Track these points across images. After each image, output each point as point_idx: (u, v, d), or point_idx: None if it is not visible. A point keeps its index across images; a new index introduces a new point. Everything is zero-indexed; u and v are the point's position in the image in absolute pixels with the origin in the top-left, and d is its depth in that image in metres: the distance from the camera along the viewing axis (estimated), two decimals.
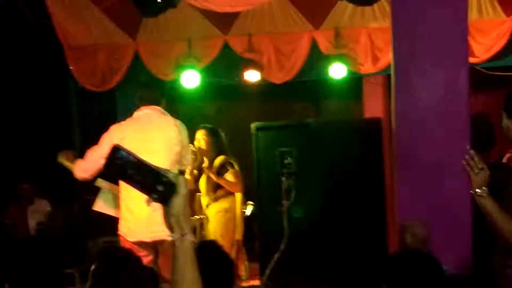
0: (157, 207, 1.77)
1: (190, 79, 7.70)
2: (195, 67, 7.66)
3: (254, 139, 4.49)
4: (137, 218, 4.83)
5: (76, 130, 8.36)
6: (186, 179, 1.83)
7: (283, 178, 4.16)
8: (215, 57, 7.83)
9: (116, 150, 1.76)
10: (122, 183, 4.99)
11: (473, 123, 3.60)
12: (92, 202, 6.79)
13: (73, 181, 8.29)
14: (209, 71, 7.78)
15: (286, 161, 4.17)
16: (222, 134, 6.50)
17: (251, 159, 4.86)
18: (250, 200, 6.49)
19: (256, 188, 4.51)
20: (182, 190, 1.80)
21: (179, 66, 7.70)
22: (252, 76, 7.68)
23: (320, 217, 4.06)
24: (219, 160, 6.35)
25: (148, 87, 5.04)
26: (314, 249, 4.11)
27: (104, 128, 8.74)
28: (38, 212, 7.99)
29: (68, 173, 8.71)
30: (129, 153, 1.78)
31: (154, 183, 1.78)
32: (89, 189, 7.53)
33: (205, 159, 6.43)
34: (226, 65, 7.86)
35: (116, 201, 6.31)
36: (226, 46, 7.78)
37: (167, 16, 7.15)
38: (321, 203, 4.06)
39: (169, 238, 1.75)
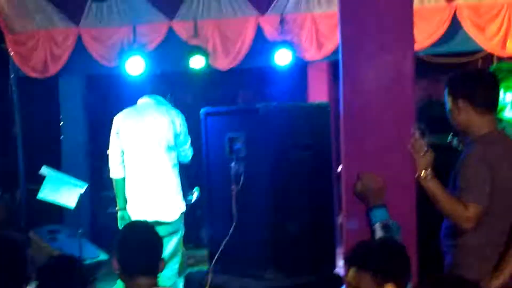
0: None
1: (135, 66, 7.61)
2: (140, 53, 7.58)
3: (203, 125, 4.48)
4: (139, 199, 5.23)
5: (17, 117, 8.18)
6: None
7: (233, 164, 4.17)
8: (159, 43, 7.77)
9: None
10: (128, 167, 5.30)
11: (427, 107, 3.67)
12: (34, 191, 6.70)
13: (15, 170, 8.19)
14: (154, 58, 7.71)
15: (235, 147, 4.17)
16: None
17: (200, 144, 4.86)
18: (198, 186, 6.50)
19: (205, 174, 4.50)
20: None
21: (124, 52, 7.60)
22: (197, 62, 7.64)
23: (269, 202, 4.08)
24: None
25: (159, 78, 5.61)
26: (262, 234, 4.13)
27: (46, 115, 8.64)
28: None
29: (9, 161, 8.57)
30: None
31: None
32: (32, 178, 7.44)
33: None
34: (171, 52, 7.79)
35: (61, 188, 6.25)
36: (171, 32, 7.72)
37: (111, 1, 7.06)
38: (270, 188, 4.08)
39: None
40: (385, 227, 3.18)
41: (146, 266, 2.93)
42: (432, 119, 4.03)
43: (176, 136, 5.29)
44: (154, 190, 5.20)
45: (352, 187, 3.45)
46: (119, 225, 5.38)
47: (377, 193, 3.30)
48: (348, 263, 2.72)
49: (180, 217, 5.29)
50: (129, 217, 5.27)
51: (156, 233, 3.05)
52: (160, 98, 5.44)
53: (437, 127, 4.01)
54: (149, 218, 4.94)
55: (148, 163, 5.22)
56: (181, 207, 5.30)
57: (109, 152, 5.45)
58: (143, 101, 5.43)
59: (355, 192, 3.37)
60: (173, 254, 5.27)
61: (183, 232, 5.40)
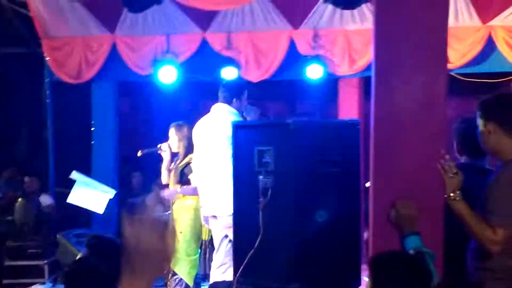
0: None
1: (167, 74, 7.69)
2: (173, 63, 7.66)
3: (233, 137, 4.50)
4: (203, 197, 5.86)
5: (50, 121, 8.30)
6: None
7: (261, 177, 4.19)
8: (193, 53, 7.84)
9: None
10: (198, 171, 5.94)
11: (470, 126, 3.67)
12: (64, 194, 6.80)
13: (44, 173, 8.31)
14: (186, 67, 7.78)
15: (264, 160, 4.19)
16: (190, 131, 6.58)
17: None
18: None
19: (233, 186, 4.52)
20: None
21: (157, 61, 7.69)
22: (229, 73, 7.70)
23: (296, 216, 4.10)
24: (188, 158, 6.42)
25: (224, 86, 5.82)
26: (288, 247, 4.14)
27: (79, 120, 8.73)
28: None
29: (39, 164, 8.69)
30: None
31: None
32: (62, 182, 7.54)
33: (165, 157, 6.56)
34: (204, 62, 7.87)
35: (90, 193, 6.34)
36: (204, 43, 7.79)
37: (147, 10, 7.15)
38: (298, 202, 4.09)
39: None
40: (419, 254, 3.17)
41: None
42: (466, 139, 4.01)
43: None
44: (210, 189, 5.66)
45: (380, 203, 3.46)
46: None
47: (411, 221, 3.31)
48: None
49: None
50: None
51: None
52: (224, 105, 5.73)
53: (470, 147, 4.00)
54: (209, 213, 5.66)
55: (205, 167, 5.75)
56: None
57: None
58: (213, 108, 5.81)
59: (390, 219, 3.38)
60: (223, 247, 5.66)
61: None
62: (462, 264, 3.47)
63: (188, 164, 6.42)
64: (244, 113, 5.94)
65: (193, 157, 6.36)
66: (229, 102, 5.71)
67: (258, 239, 4.16)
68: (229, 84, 5.98)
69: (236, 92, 5.76)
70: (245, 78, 7.79)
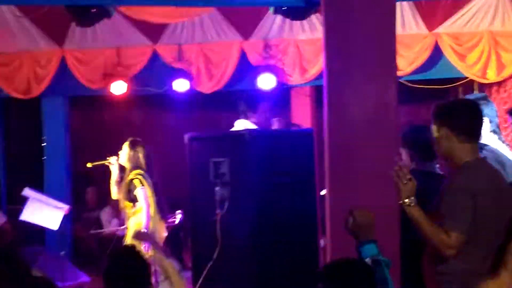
0: None
1: (118, 88, 7.63)
2: (124, 76, 7.61)
3: (188, 149, 4.50)
4: None
5: (0, 138, 8.13)
6: None
7: (217, 188, 4.20)
8: (144, 66, 7.80)
9: None
10: None
11: (418, 133, 3.73)
12: (17, 211, 6.67)
13: None
14: (138, 80, 7.73)
15: (219, 171, 4.21)
16: (141, 148, 6.47)
17: (184, 168, 4.88)
18: (182, 209, 6.53)
19: (190, 198, 4.52)
20: None
21: (107, 74, 7.62)
22: (181, 85, 7.68)
23: (253, 227, 4.12)
24: (132, 174, 6.31)
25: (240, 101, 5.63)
26: (247, 258, 4.16)
27: (29, 136, 8.59)
28: None
29: None
30: None
31: None
32: (14, 199, 7.39)
33: (113, 170, 6.52)
34: (155, 74, 7.83)
35: (43, 210, 6.24)
36: (155, 55, 7.76)
37: (95, 24, 7.08)
38: (255, 213, 4.11)
39: None
40: (375, 262, 3.19)
41: None
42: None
43: None
44: None
45: (336, 211, 3.50)
46: None
47: (368, 229, 3.33)
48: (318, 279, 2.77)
49: None
50: None
51: (143, 259, 3.04)
52: (243, 120, 5.52)
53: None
54: None
55: None
56: None
57: None
58: (235, 124, 5.62)
59: (346, 227, 3.39)
60: None
61: None
62: (419, 269, 3.52)
63: (132, 180, 6.29)
64: (267, 125, 5.80)
65: (139, 172, 6.24)
66: (246, 116, 5.55)
67: (216, 251, 4.18)
68: (244, 98, 5.83)
69: (251, 106, 5.63)
70: (197, 90, 7.80)
